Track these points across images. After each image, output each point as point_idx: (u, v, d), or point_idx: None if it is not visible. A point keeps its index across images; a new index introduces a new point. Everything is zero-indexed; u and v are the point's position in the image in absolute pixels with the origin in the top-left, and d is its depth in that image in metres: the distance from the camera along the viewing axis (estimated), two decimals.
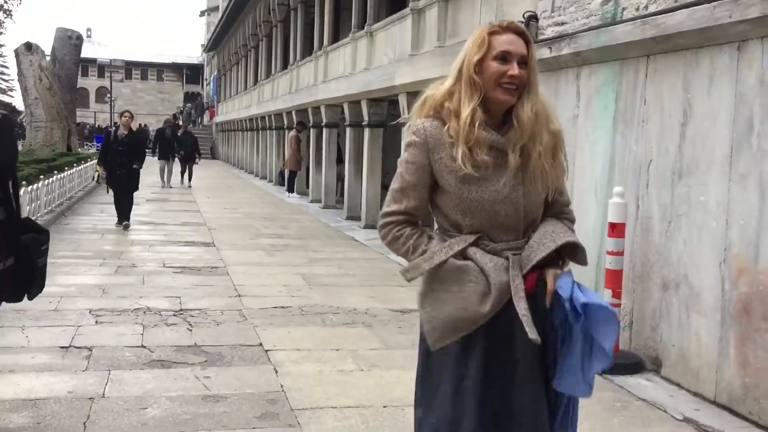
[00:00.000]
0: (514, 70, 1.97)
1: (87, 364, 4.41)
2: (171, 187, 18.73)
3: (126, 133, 10.48)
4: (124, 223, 10.51)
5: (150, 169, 16.97)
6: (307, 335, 5.31)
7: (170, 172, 19.36)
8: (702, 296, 4.32)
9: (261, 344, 5.00)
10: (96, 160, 12.41)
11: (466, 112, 1.98)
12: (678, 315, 4.52)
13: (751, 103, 4.00)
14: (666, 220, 4.65)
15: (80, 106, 61.14)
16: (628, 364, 4.68)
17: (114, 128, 11.12)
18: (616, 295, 4.77)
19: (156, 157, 19.72)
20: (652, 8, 4.81)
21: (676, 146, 4.58)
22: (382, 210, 2.14)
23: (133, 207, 11.05)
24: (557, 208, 2.15)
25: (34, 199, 10.11)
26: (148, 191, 17.31)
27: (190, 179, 20.10)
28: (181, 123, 48.53)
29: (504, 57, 1.99)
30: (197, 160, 20.88)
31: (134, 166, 10.44)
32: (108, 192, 10.97)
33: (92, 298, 6.15)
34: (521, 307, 1.98)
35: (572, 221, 2.18)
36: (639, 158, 4.93)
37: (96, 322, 5.41)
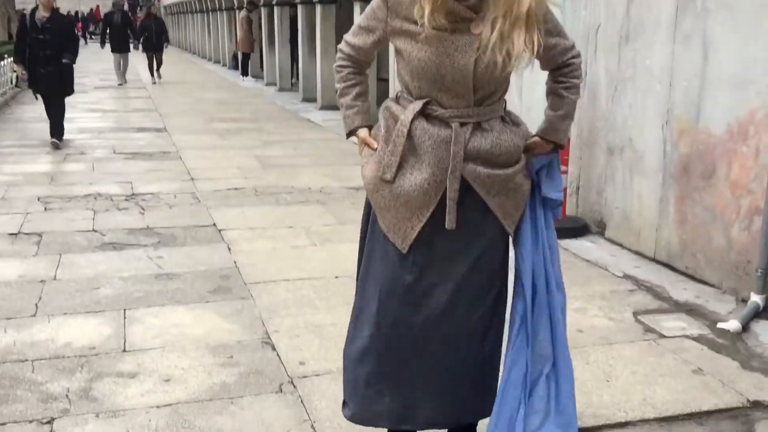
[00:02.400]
0: None
1: (37, 249, 4.39)
2: (124, 83, 15.54)
3: (47, 16, 7.72)
4: (51, 141, 7.97)
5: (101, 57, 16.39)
6: (260, 214, 5.34)
7: (125, 64, 15.79)
8: (645, 159, 4.41)
9: (214, 224, 5.02)
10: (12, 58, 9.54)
11: None
12: (622, 178, 4.62)
13: None
14: (612, 85, 4.66)
15: None
16: (574, 228, 4.83)
17: (30, 12, 8.10)
18: (564, 162, 4.83)
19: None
20: None
21: (624, 10, 4.52)
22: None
23: (79, 97, 10.37)
24: (554, 64, 2.03)
25: None
26: (96, 78, 16.74)
27: (158, 68, 16.37)
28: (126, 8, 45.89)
29: None
30: (166, 46, 16.96)
31: (64, 61, 7.77)
32: (37, 99, 8.32)
33: (41, 186, 6.06)
34: (452, 189, 1.93)
35: (575, 79, 2.05)
36: (588, 24, 4.87)
37: (45, 209, 5.35)
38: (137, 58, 18.05)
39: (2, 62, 12.48)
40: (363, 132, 2.09)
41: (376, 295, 2.05)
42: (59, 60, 7.71)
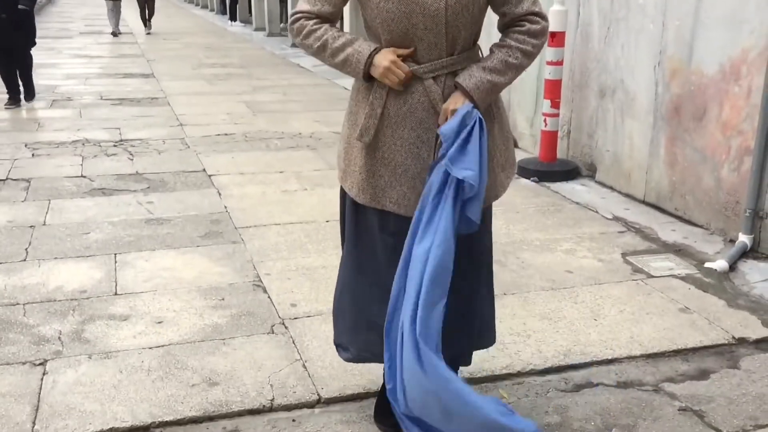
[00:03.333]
0: None
1: (26, 195, 4.36)
2: (119, 34, 14.39)
3: None
4: (5, 106, 6.75)
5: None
6: (251, 160, 5.30)
7: (118, 14, 14.32)
8: (636, 100, 4.38)
9: (204, 170, 4.99)
10: None
11: None
12: (613, 121, 4.60)
13: None
14: (605, 26, 4.59)
15: None
16: (564, 171, 4.82)
17: None
18: (555, 105, 4.81)
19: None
20: None
21: None
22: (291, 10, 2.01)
23: (65, 42, 10.26)
24: (508, 21, 1.92)
25: None
26: (81, 24, 16.43)
27: (150, 18, 15.05)
28: None
29: None
30: None
31: (21, 6, 6.54)
32: None
33: (27, 132, 5.98)
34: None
35: (519, 43, 1.89)
36: None
37: (33, 155, 5.29)
38: (127, 7, 17.03)
39: None
40: (386, 51, 1.85)
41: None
42: (14, 5, 6.51)
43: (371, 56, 1.86)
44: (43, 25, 16.46)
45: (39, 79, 8.76)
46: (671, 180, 4.15)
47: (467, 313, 2.08)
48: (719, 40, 3.74)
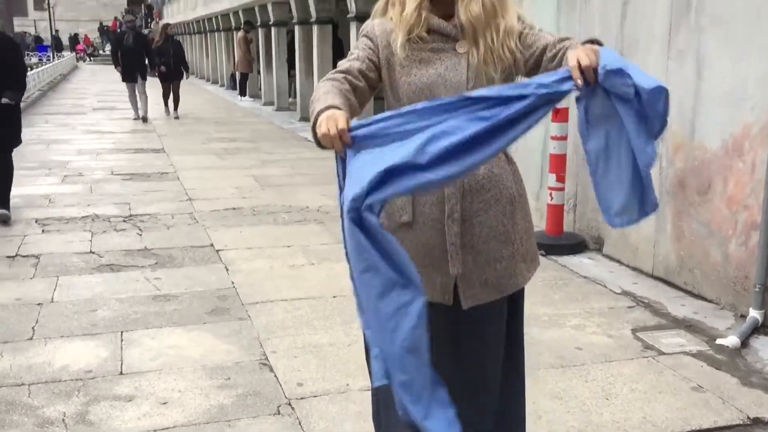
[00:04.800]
0: None
1: (35, 272, 4.38)
2: (146, 121, 12.50)
3: None
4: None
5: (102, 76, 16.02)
6: (258, 234, 5.33)
7: (144, 98, 12.54)
8: None
9: (212, 245, 5.02)
10: None
11: (412, 5, 1.85)
12: None
13: None
14: None
15: (18, 14, 58.22)
16: (572, 245, 4.83)
17: None
18: (560, 179, 4.85)
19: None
20: None
21: (618, 25, 4.55)
22: None
23: (78, 118, 10.33)
24: (544, 56, 1.84)
25: None
26: (94, 100, 16.81)
27: (176, 106, 13.35)
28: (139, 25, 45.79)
29: None
30: (185, 76, 13.79)
31: (3, 101, 5.42)
32: None
33: (38, 208, 6.06)
34: (450, 233, 1.85)
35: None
36: (582, 38, 4.88)
37: (43, 231, 5.34)
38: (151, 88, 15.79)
39: None
40: (339, 112, 1.62)
41: None
42: None
43: (323, 110, 1.65)
44: (58, 101, 16.89)
45: (52, 154, 8.97)
46: (679, 254, 4.14)
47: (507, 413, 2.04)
48: (721, 117, 3.79)
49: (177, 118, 13.09)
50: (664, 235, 4.25)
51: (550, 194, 4.88)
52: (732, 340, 3.34)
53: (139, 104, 12.61)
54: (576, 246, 4.83)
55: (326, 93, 1.75)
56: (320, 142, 1.62)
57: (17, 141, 5.87)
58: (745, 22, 3.62)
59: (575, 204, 5.07)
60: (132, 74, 12.33)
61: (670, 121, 4.08)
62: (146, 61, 12.71)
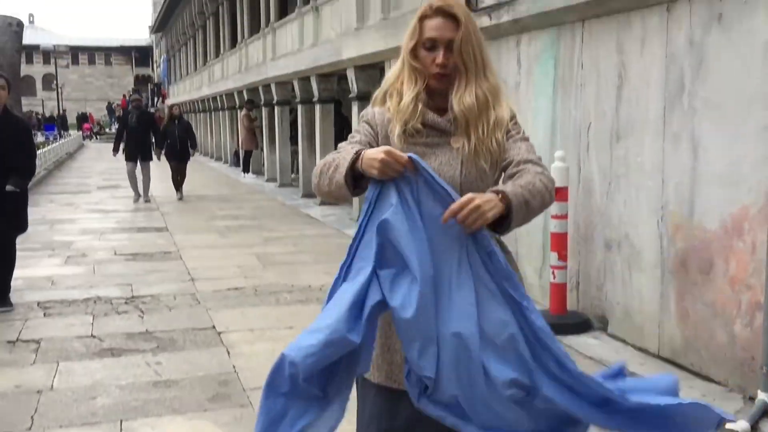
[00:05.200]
0: (439, 57, 1.90)
1: (35, 357, 4.35)
2: (149, 201, 12.26)
3: None
4: None
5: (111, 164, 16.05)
6: (260, 315, 5.31)
7: (146, 179, 12.28)
8: (642, 254, 4.43)
9: (214, 327, 4.99)
10: None
11: (409, 96, 1.94)
12: (621, 273, 4.63)
13: (681, 63, 4.07)
14: (606, 181, 4.74)
15: (27, 94, 59.60)
16: (576, 324, 4.80)
17: None
18: (562, 257, 4.87)
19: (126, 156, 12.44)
20: None
21: (612, 109, 4.66)
22: None
23: (83, 197, 10.33)
24: (507, 165, 1.93)
25: None
26: (99, 178, 17.01)
27: (181, 186, 12.86)
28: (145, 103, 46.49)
29: (432, 44, 1.92)
30: (192, 154, 13.12)
31: (8, 188, 5.20)
32: None
33: (41, 290, 6.06)
34: None
35: (534, 174, 1.84)
36: (579, 122, 5.00)
37: (44, 314, 5.33)
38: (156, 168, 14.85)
39: None
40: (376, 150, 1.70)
41: None
42: (3, 184, 5.18)
43: (360, 152, 1.73)
44: (64, 180, 17.11)
45: (56, 235, 9.02)
46: (684, 334, 4.11)
47: None
48: (718, 197, 3.84)
49: (180, 198, 12.68)
50: (668, 314, 4.23)
51: (553, 273, 4.88)
52: (742, 425, 3.28)
53: (140, 185, 12.25)
54: (580, 325, 4.80)
55: (344, 150, 1.84)
56: (359, 179, 1.74)
57: (22, 227, 5.58)
58: (738, 105, 3.71)
59: (578, 282, 5.06)
60: (134, 153, 12.07)
61: (669, 201, 4.14)
62: (152, 141, 12.57)
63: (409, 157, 1.70)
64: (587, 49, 4.90)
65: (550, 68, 5.31)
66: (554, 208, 4.86)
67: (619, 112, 4.60)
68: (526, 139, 1.96)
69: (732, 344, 3.77)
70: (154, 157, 12.76)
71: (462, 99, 1.90)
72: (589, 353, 4.38)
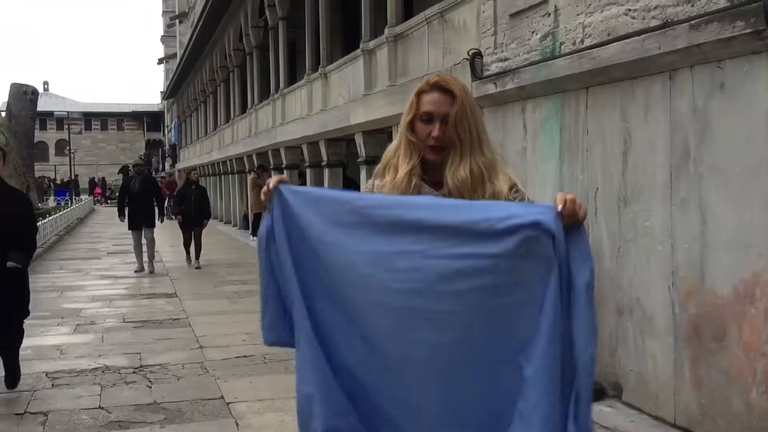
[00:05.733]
0: (435, 130, 1.96)
1: (42, 431, 4.30)
2: (153, 272, 11.60)
3: None
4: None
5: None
6: (270, 384, 5.26)
7: (151, 245, 11.64)
8: (654, 319, 4.39)
9: (222, 397, 4.94)
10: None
11: (403, 171, 2.00)
12: (633, 339, 4.58)
13: (686, 130, 4.12)
14: (615, 246, 4.73)
15: (40, 160, 60.49)
16: None
17: None
18: None
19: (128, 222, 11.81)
20: (587, 42, 4.96)
21: (619, 174, 4.69)
22: None
23: (93, 263, 10.32)
24: None
25: None
26: (110, 243, 17.10)
27: (198, 255, 12.28)
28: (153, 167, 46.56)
29: (428, 118, 1.98)
30: (205, 222, 12.49)
31: (9, 264, 4.73)
32: None
33: (49, 360, 6.02)
34: None
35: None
36: (585, 187, 5.03)
37: (53, 385, 5.29)
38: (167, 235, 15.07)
39: None
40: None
41: None
42: (3, 262, 4.69)
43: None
44: (74, 246, 17.20)
45: (65, 302, 9.03)
46: (700, 402, 4.03)
47: None
48: (729, 263, 3.82)
49: (198, 268, 12.10)
50: (683, 382, 4.16)
51: None
52: None
53: (145, 255, 11.57)
54: (595, 393, 4.70)
55: None
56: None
57: (26, 310, 5.09)
58: (745, 172, 3.73)
59: None
60: (137, 222, 11.46)
61: (679, 266, 4.11)
62: (155, 208, 12.03)
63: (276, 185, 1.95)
64: (592, 115, 4.97)
65: (555, 134, 5.37)
66: None
67: (625, 177, 4.63)
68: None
69: (749, 413, 3.69)
70: (158, 222, 12.20)
71: (456, 173, 1.95)
72: (604, 423, 4.29)
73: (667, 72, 4.25)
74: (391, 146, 2.09)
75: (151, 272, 11.61)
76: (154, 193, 12.14)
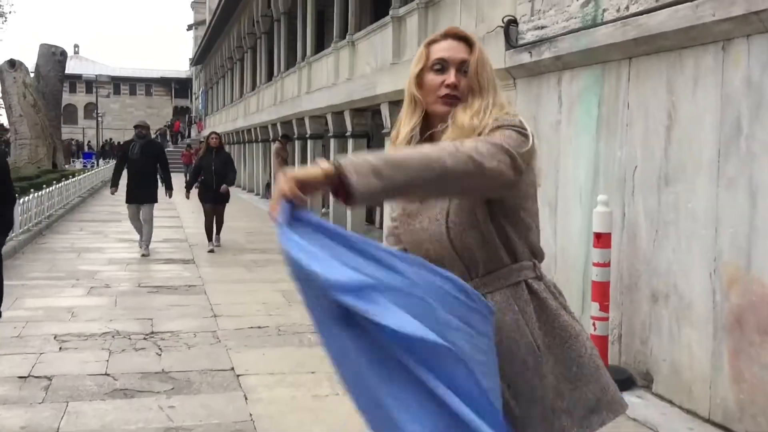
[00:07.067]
0: (450, 77, 1.74)
1: (45, 396, 4.15)
2: (147, 255, 9.62)
3: None
4: None
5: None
6: (282, 357, 5.07)
7: (148, 227, 9.80)
8: (693, 307, 4.11)
9: (233, 368, 4.76)
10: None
11: (403, 133, 1.80)
12: (668, 327, 4.30)
13: (738, 104, 3.80)
14: (653, 228, 4.44)
15: (69, 122, 61.01)
16: (619, 381, 4.40)
17: None
18: (604, 308, 4.55)
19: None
20: (633, 9, 4.62)
21: (661, 151, 4.38)
22: None
23: (113, 226, 9.86)
24: None
25: None
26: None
27: (219, 230, 10.65)
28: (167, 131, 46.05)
29: (440, 66, 1.76)
30: (227, 194, 10.62)
31: None
32: None
33: (59, 322, 5.89)
34: None
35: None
36: (624, 164, 4.73)
37: (60, 348, 5.15)
38: (187, 209, 13.98)
39: (45, 190, 12.78)
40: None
41: None
42: None
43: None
44: (96, 208, 17.18)
45: (82, 263, 8.93)
46: (738, 398, 3.76)
47: None
48: None
49: (218, 245, 10.52)
50: (721, 375, 3.88)
51: (593, 324, 4.56)
52: None
53: (144, 234, 9.75)
54: (623, 382, 4.46)
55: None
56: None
57: None
58: None
59: (620, 335, 4.74)
60: (136, 193, 9.58)
61: (723, 251, 3.82)
62: (158, 178, 9.93)
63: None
64: (634, 87, 4.64)
65: (593, 107, 5.06)
66: (596, 254, 4.57)
67: (668, 155, 4.31)
68: (509, 127, 1.65)
69: None
70: (167, 197, 10.55)
71: (463, 116, 1.70)
72: (632, 414, 4.04)
73: (721, 41, 3.92)
74: (402, 108, 1.88)
75: (146, 255, 9.60)
76: (158, 161, 9.85)
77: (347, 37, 12.51)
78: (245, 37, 25.51)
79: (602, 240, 4.55)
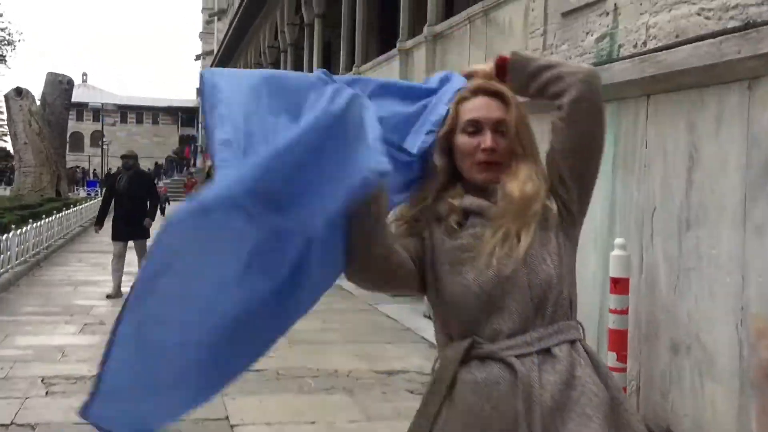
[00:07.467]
0: (487, 141, 1.54)
1: None
2: (118, 294, 8.55)
3: None
4: None
5: None
6: (280, 405, 4.82)
7: (140, 262, 8.46)
8: (717, 360, 3.85)
9: (227, 417, 4.50)
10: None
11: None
12: (690, 381, 4.04)
13: (766, 146, 3.59)
14: (674, 274, 4.20)
15: (75, 150, 61.28)
16: None
17: None
18: (621, 358, 4.30)
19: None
20: (651, 44, 4.44)
21: (682, 193, 4.16)
22: None
23: (109, 260, 8.44)
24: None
25: (3, 251, 9.41)
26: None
27: None
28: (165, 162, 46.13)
29: (475, 127, 1.56)
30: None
31: None
32: None
33: (48, 363, 5.64)
34: None
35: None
36: (642, 206, 4.51)
37: (47, 392, 4.90)
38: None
39: (45, 220, 12.60)
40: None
41: None
42: None
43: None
44: (96, 238, 16.93)
45: (77, 298, 8.70)
46: None
47: None
48: None
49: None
50: None
51: None
52: None
53: (125, 274, 8.68)
54: None
55: None
56: None
57: None
58: None
59: (638, 386, 4.47)
60: (121, 230, 8.64)
61: (750, 301, 3.58)
62: (149, 212, 8.86)
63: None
64: (652, 125, 4.44)
65: (609, 145, 4.84)
66: (613, 301, 4.33)
67: (689, 197, 4.09)
68: None
69: None
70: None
71: (524, 186, 1.54)
72: None
73: (747, 80, 3.72)
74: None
75: (117, 296, 8.50)
76: (149, 193, 8.97)
77: (353, 68, 12.42)
78: (253, 68, 25.56)
79: (620, 285, 4.31)
